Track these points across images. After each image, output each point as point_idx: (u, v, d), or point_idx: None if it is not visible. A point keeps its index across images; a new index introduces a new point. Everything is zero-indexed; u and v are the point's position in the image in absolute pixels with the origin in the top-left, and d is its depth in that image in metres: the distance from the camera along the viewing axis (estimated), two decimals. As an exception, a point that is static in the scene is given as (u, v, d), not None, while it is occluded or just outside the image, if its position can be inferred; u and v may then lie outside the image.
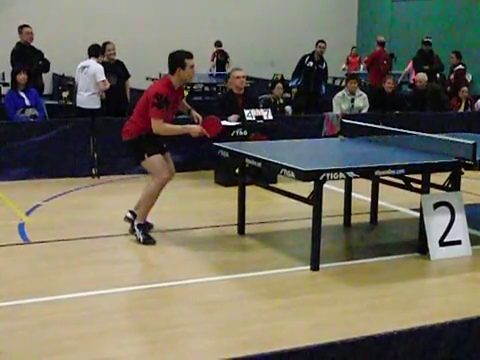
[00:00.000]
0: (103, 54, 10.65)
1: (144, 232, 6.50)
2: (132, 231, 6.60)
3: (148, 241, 6.46)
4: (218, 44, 18.50)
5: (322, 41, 12.67)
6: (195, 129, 6.48)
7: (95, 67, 10.11)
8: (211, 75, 17.54)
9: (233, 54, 18.19)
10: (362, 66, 18.76)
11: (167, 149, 6.72)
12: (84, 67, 10.21)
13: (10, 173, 9.08)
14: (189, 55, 6.55)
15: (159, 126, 6.36)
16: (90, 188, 8.87)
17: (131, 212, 6.71)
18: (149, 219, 6.67)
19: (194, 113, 6.74)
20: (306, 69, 12.60)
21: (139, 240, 6.47)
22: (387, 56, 15.01)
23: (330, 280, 5.61)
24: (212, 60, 18.22)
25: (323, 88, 12.73)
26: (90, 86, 10.14)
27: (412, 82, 14.36)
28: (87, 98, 10.20)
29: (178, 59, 6.49)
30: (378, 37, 15.73)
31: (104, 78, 10.07)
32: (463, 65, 14.03)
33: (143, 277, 5.71)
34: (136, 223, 6.56)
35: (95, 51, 10.26)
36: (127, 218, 6.70)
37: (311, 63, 12.60)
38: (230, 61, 18.10)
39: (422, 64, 13.84)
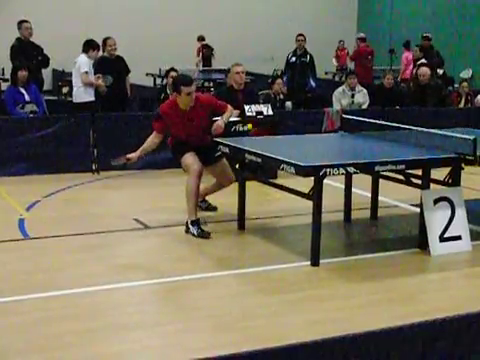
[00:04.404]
0: (104, 49, 10.66)
1: (198, 227, 6.59)
2: (186, 230, 6.65)
3: (202, 235, 6.54)
4: (201, 38, 18.05)
5: (301, 34, 12.75)
6: (133, 154, 6.68)
7: (81, 61, 10.11)
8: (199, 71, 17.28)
9: (235, 50, 18.14)
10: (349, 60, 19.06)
11: (218, 159, 6.93)
12: (75, 63, 10.22)
13: (10, 169, 9.08)
14: (186, 83, 6.61)
15: (151, 135, 6.80)
16: (90, 183, 8.86)
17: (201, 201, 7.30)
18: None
19: (218, 123, 6.84)
20: (290, 65, 12.73)
21: (194, 235, 6.55)
22: (371, 51, 15.19)
23: (330, 276, 5.61)
24: (197, 55, 17.84)
25: (311, 81, 12.59)
26: (78, 80, 10.14)
27: (406, 77, 14.49)
28: (77, 92, 10.19)
29: (175, 85, 6.72)
30: (358, 34, 16.02)
31: (87, 69, 10.04)
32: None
33: (144, 273, 5.71)
34: (189, 220, 6.64)
35: (86, 47, 10.25)
36: (200, 207, 7.24)
37: (294, 58, 12.71)
38: (215, 55, 17.90)
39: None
